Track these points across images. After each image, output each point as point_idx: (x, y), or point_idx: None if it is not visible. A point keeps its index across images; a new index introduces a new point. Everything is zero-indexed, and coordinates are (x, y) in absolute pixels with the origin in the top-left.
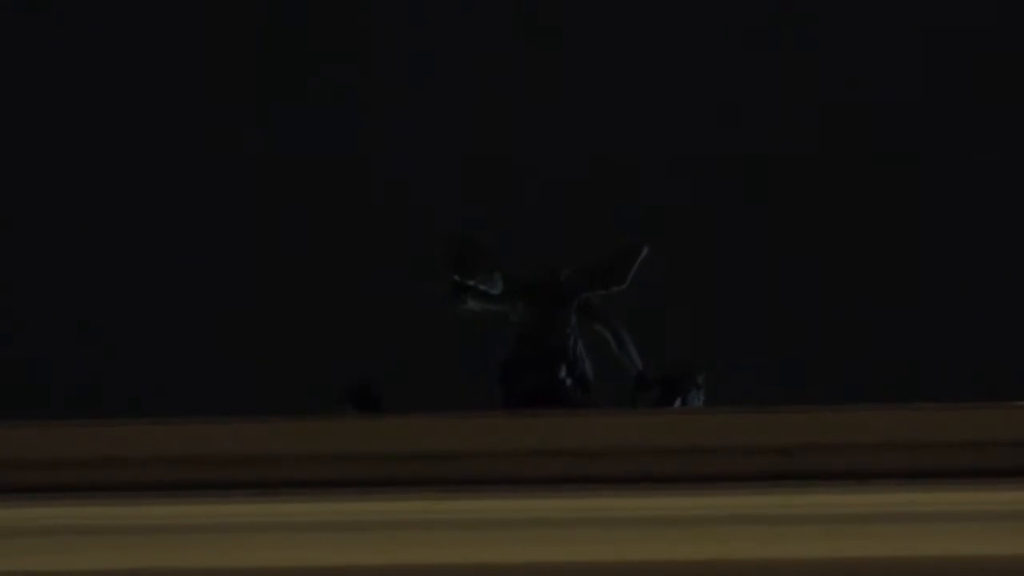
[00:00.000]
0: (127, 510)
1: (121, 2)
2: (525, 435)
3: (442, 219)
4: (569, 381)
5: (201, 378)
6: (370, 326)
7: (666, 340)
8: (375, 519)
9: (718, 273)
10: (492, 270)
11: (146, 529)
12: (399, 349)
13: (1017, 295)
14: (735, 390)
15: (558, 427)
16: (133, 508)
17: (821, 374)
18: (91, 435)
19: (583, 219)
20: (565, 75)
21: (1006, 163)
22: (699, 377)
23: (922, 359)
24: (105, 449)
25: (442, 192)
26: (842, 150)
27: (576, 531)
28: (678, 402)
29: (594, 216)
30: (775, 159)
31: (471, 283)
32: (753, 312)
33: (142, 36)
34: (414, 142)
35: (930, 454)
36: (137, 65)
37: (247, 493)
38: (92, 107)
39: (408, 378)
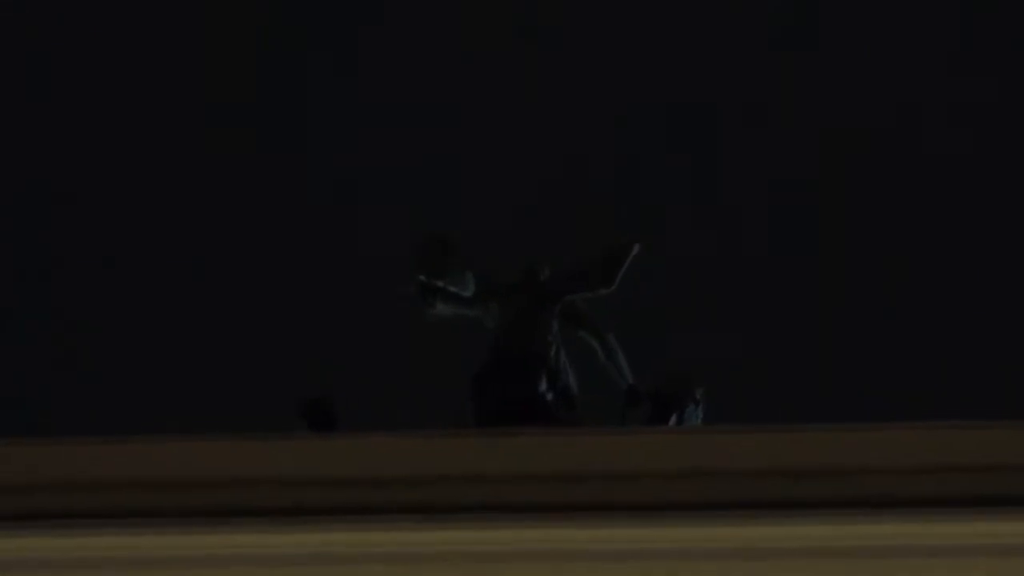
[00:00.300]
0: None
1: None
2: (500, 457)
3: (412, 217)
4: (550, 395)
5: (124, 394)
6: (324, 332)
7: (660, 349)
8: (327, 552)
9: (719, 276)
10: (463, 269)
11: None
12: (357, 359)
13: None
14: (738, 406)
15: (538, 448)
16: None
17: (834, 389)
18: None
19: (568, 216)
20: (559, 72)
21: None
22: (697, 391)
23: (951, 372)
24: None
25: (411, 189)
26: (850, 149)
27: (559, 565)
28: (674, 419)
29: (581, 213)
30: (784, 157)
31: (439, 284)
32: (758, 320)
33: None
34: (380, 135)
35: (964, 479)
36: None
37: (179, 522)
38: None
39: (367, 392)
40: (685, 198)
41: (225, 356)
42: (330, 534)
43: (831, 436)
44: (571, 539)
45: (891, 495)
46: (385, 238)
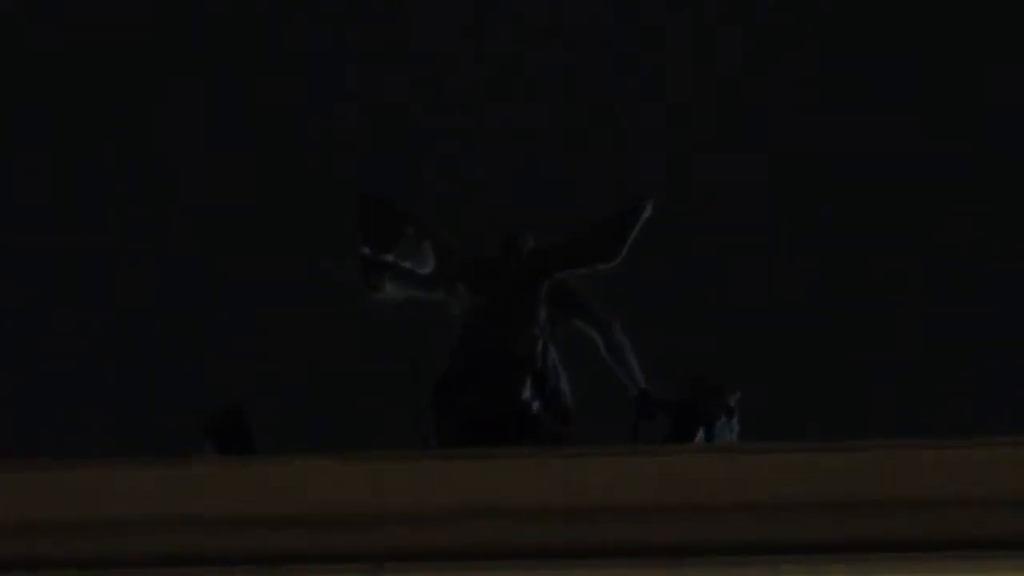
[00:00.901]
0: None
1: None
2: (469, 486)
3: (364, 181)
4: (536, 404)
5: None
6: (241, 329)
7: (682, 344)
8: None
9: (747, 256)
10: (420, 241)
11: None
12: (280, 359)
13: None
14: (783, 419)
15: (522, 473)
16: None
17: (897, 398)
18: None
19: (560, 177)
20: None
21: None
22: (730, 399)
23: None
24: None
25: (363, 147)
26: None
27: None
28: (700, 435)
29: (575, 174)
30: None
31: (388, 259)
32: (809, 308)
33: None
34: (327, 86)
35: None
36: None
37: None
38: None
39: (291, 404)
40: (715, 144)
41: (109, 359)
42: None
43: (893, 456)
44: None
45: (971, 533)
46: (274, 205)
